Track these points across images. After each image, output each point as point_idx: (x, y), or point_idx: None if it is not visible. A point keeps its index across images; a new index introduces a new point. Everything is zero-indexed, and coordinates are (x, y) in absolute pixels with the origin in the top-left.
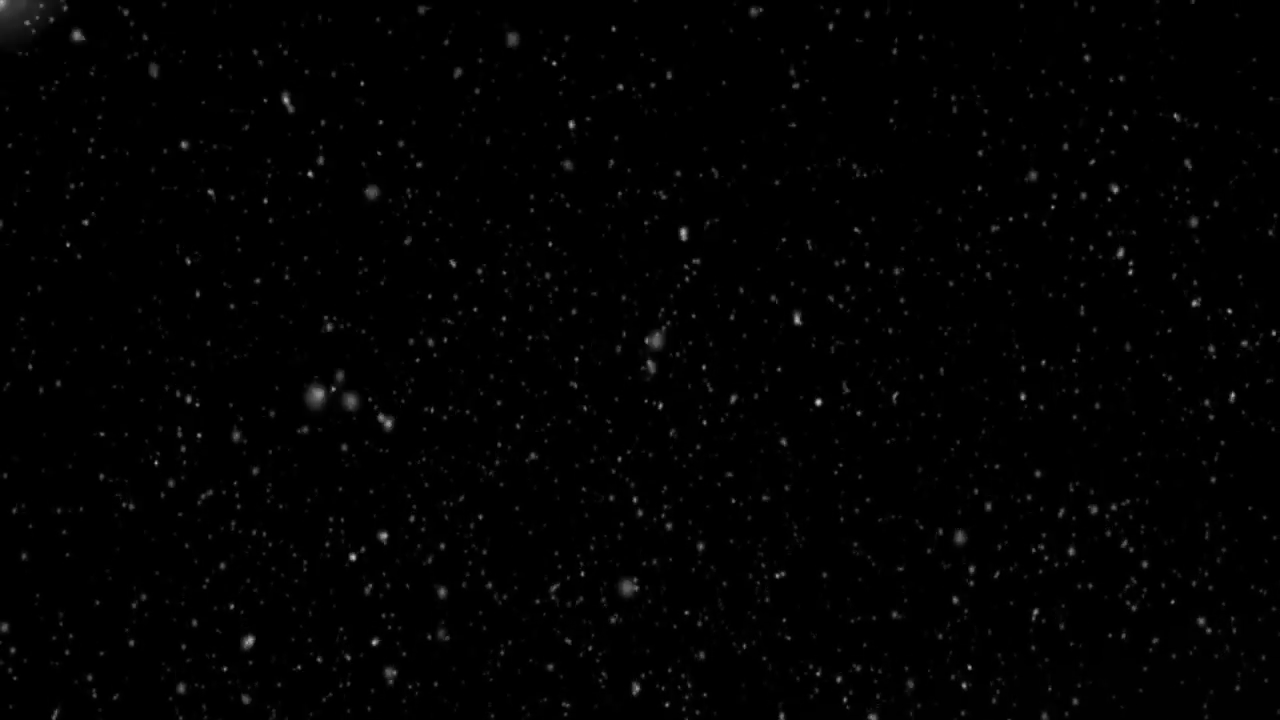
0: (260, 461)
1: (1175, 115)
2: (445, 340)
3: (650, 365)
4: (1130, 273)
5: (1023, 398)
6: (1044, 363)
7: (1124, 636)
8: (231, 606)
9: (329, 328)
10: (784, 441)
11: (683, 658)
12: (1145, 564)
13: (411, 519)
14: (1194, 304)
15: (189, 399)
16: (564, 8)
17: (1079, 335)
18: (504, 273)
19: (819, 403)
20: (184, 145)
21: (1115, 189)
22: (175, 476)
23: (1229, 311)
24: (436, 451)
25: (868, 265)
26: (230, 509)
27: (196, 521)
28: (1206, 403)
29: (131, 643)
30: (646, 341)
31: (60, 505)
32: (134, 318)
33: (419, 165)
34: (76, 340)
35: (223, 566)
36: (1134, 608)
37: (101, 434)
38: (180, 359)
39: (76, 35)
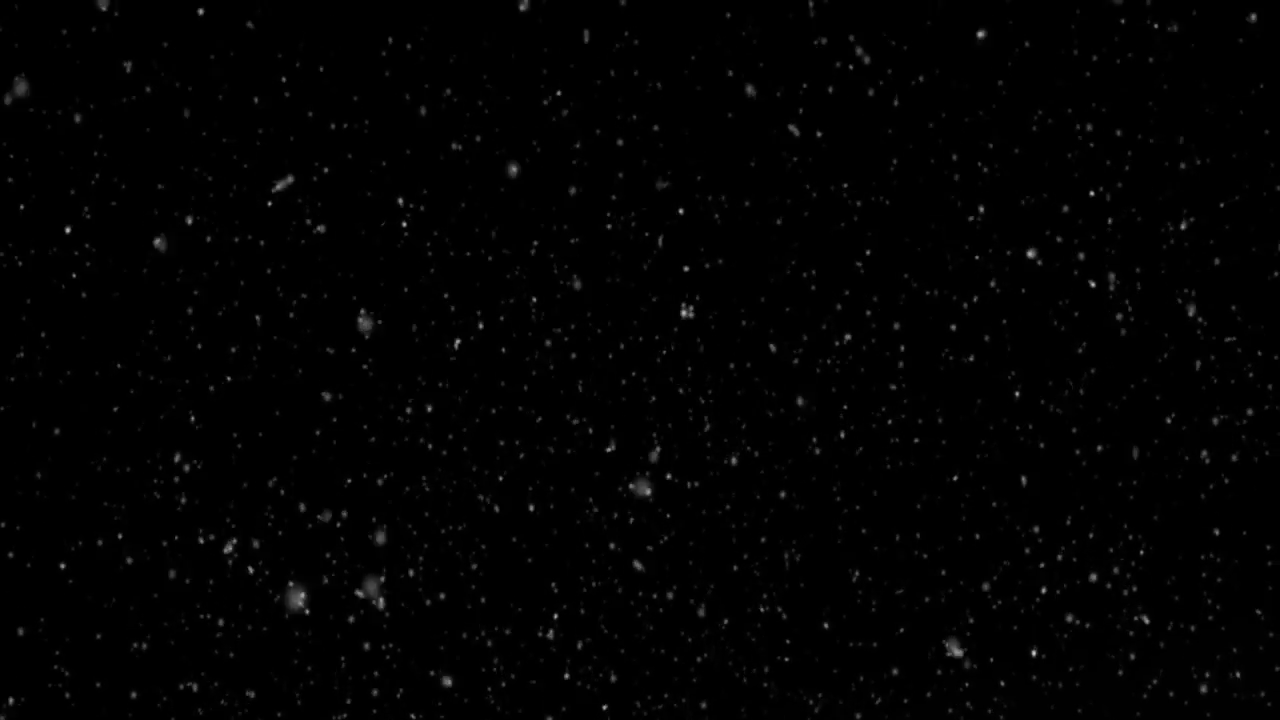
0: (257, 492)
1: (1180, 139)
2: (444, 367)
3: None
4: (1129, 304)
5: (1019, 428)
6: (1043, 401)
7: (1124, 666)
8: (230, 652)
9: (329, 356)
10: (784, 465)
11: (681, 679)
12: (1146, 591)
13: (411, 547)
14: (1197, 331)
15: (185, 429)
16: (565, 44)
17: (1079, 367)
18: (505, 301)
19: (819, 429)
20: (180, 168)
21: (1113, 221)
22: (173, 510)
23: (1230, 339)
24: (438, 475)
25: (868, 299)
26: (227, 540)
27: (195, 548)
28: (1207, 441)
29: (133, 694)
30: (633, 486)
31: (59, 557)
32: (131, 352)
33: (420, 194)
34: (71, 379)
35: (222, 621)
36: (1134, 635)
37: (99, 467)
38: (174, 395)
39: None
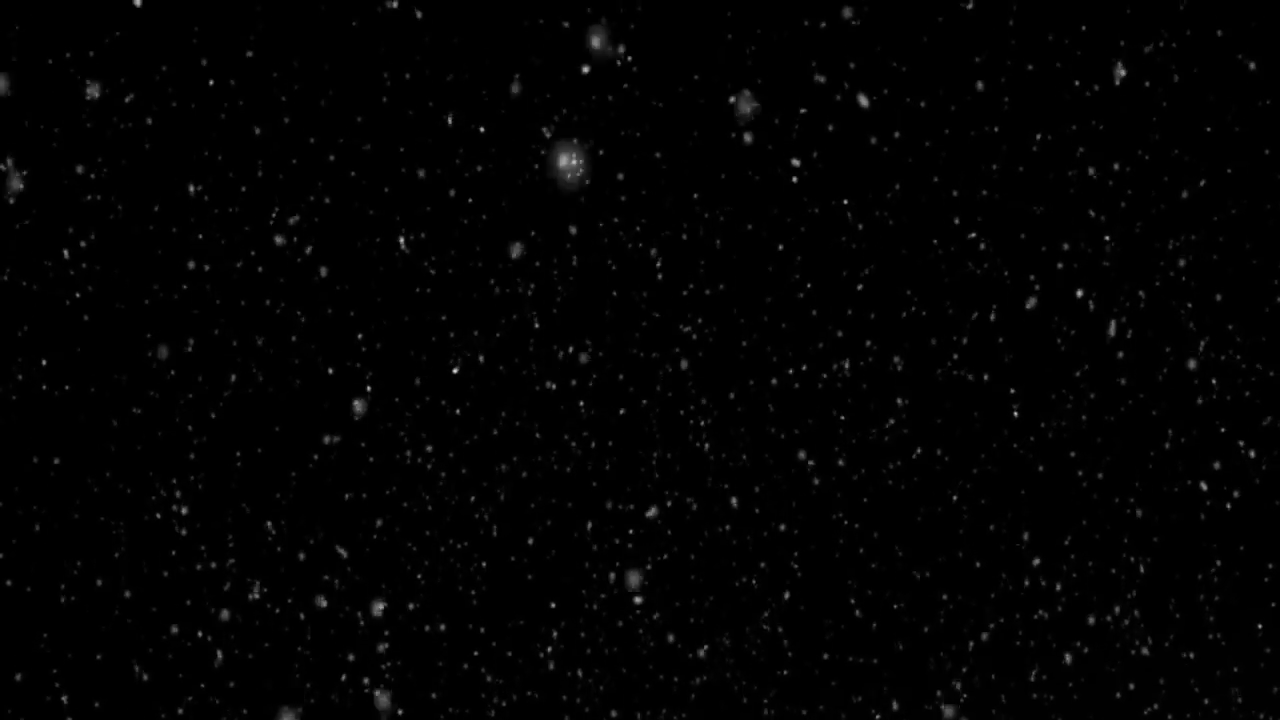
0: (257, 512)
1: (1177, 151)
2: (442, 391)
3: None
4: (1130, 333)
5: (1018, 444)
6: (1043, 425)
7: (1121, 691)
8: (230, 680)
9: (329, 375)
10: (785, 483)
11: (681, 697)
12: (1146, 618)
13: (410, 563)
14: (1198, 358)
15: (183, 454)
16: (565, 82)
17: (1079, 396)
18: (504, 321)
19: (820, 451)
20: (181, 186)
21: (1115, 251)
22: (172, 536)
23: (1229, 363)
24: (439, 490)
25: (867, 326)
26: (227, 560)
27: (195, 574)
28: (1207, 466)
29: None
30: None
31: (57, 592)
32: (130, 371)
33: (422, 213)
34: (69, 403)
35: (222, 648)
36: (1135, 655)
37: (96, 487)
38: (171, 418)
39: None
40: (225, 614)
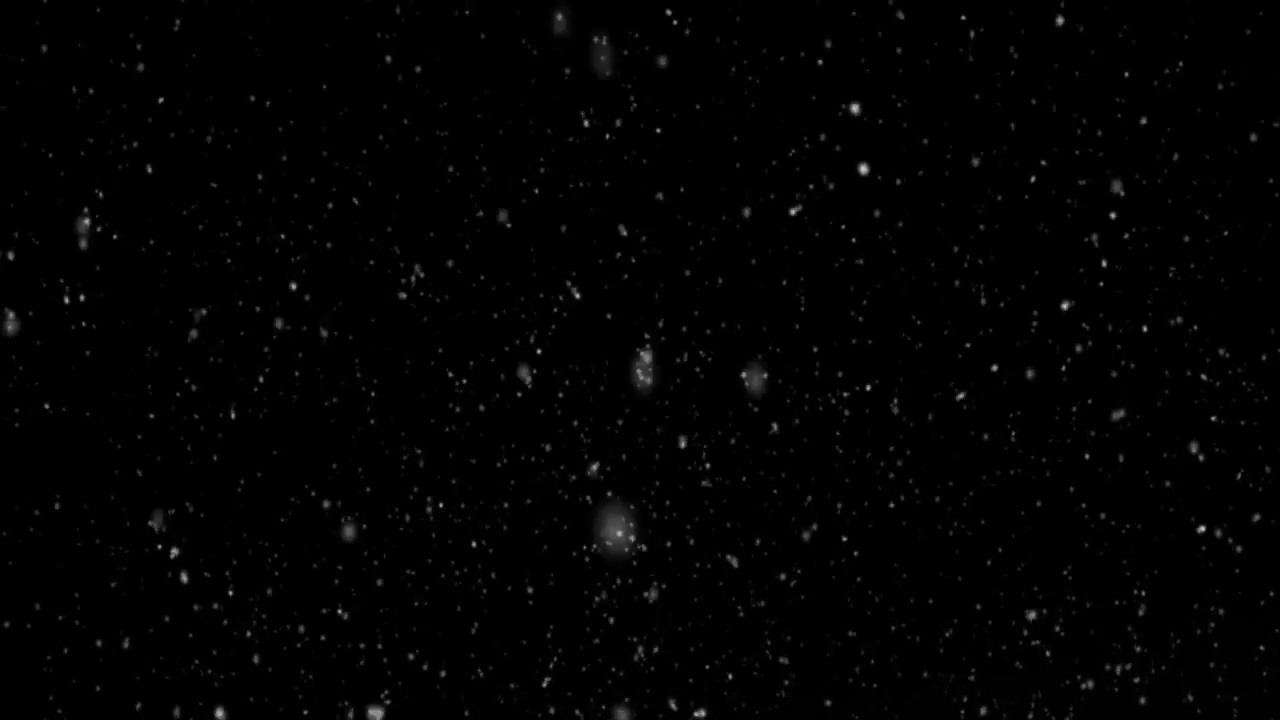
0: (256, 545)
1: (1177, 183)
2: (444, 421)
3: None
4: (1130, 369)
5: (1014, 472)
6: (1043, 460)
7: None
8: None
9: (330, 406)
10: (786, 509)
11: (681, 717)
12: (1146, 650)
13: (409, 587)
14: (1191, 396)
15: (181, 493)
16: (565, 130)
17: (1080, 426)
18: (507, 350)
19: (819, 482)
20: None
21: (1115, 285)
22: (167, 565)
23: (1231, 388)
24: (442, 510)
25: (868, 359)
26: (224, 598)
27: (191, 601)
28: (1204, 509)
29: None
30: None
31: (56, 639)
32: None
33: (425, 239)
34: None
35: (221, 673)
36: (1136, 685)
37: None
38: (168, 458)
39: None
40: (223, 645)
